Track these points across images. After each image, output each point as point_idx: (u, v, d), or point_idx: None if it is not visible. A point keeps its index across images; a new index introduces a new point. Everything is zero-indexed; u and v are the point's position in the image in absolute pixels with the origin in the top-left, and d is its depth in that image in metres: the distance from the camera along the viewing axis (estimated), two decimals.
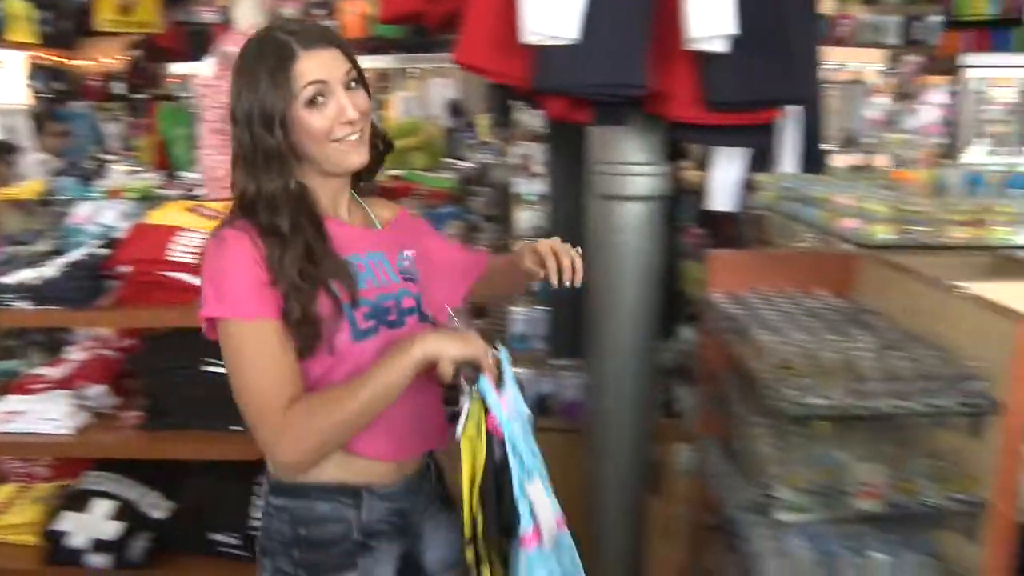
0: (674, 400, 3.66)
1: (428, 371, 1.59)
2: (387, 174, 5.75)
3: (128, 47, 8.17)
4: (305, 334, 1.57)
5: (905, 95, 3.36)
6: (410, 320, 1.75)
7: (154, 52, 9.13)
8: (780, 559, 2.12)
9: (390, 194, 4.62)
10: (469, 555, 1.58)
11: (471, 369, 1.56)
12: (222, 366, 2.43)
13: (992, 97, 2.17)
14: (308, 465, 1.62)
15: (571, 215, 3.10)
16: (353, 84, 1.66)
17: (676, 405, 3.65)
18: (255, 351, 1.55)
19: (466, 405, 1.57)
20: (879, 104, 2.37)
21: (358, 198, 1.87)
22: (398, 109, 5.81)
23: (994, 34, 9.13)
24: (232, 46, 3.54)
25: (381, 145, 1.81)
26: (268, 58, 1.58)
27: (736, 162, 2.94)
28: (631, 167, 2.77)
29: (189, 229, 3.00)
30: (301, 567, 1.69)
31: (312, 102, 1.59)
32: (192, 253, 2.92)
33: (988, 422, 1.91)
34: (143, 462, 3.07)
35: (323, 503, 1.69)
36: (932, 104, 2.12)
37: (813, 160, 3.01)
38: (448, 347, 1.57)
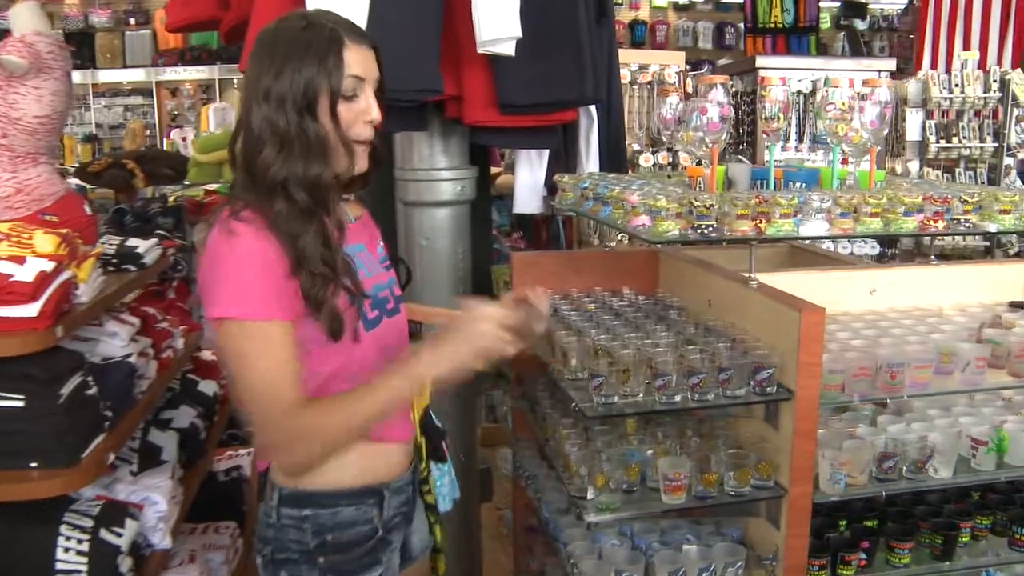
0: (496, 404, 3.65)
1: None
2: (202, 188, 5.54)
3: None
4: (331, 320, 1.57)
5: (690, 95, 3.45)
6: (401, 307, 1.83)
7: None
8: (595, 559, 2.12)
9: (206, 208, 4.44)
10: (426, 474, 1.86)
11: None
12: (17, 398, 2.24)
13: (771, 96, 2.23)
14: (314, 464, 1.64)
15: (383, 221, 3.05)
16: (377, 91, 1.66)
17: (498, 408, 3.64)
18: (266, 353, 1.52)
19: None
20: (671, 104, 2.41)
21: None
22: (210, 121, 5.61)
23: (792, 40, 9.86)
24: (7, 53, 3.24)
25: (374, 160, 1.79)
26: (318, 42, 1.56)
27: (538, 165, 2.95)
28: (434, 172, 2.75)
29: None
30: (329, 571, 1.70)
31: (349, 93, 1.59)
32: None
33: (781, 409, 1.97)
34: None
35: (347, 508, 1.70)
36: (713, 103, 2.15)
37: (615, 159, 3.06)
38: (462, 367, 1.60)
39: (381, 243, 1.87)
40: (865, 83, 2.42)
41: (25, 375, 2.25)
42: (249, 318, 1.51)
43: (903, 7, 11.39)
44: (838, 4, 11.79)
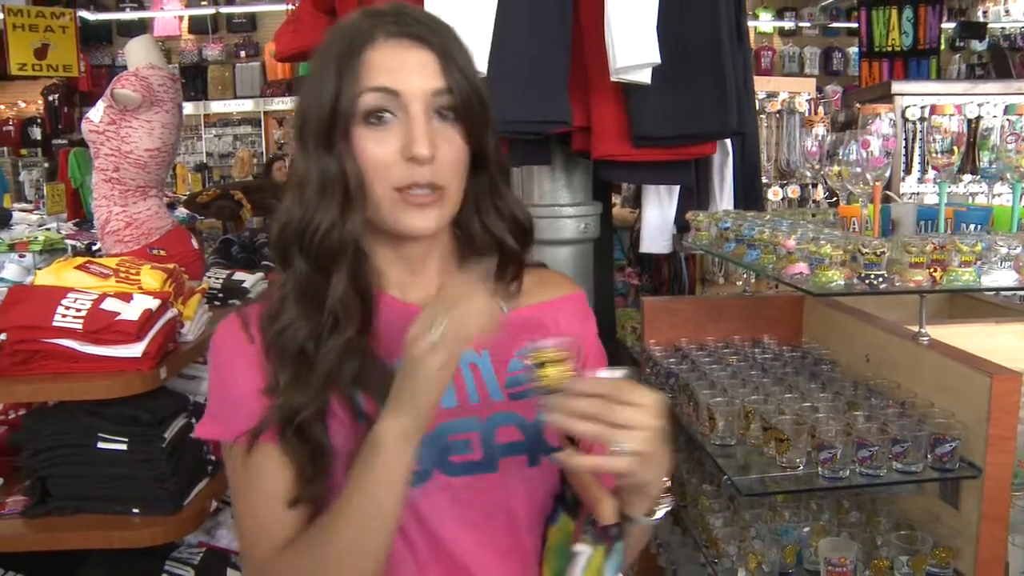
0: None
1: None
2: None
3: (45, 91, 7.96)
4: (301, 466, 1.08)
5: (846, 124, 3.21)
6: (506, 464, 1.13)
7: (73, 96, 8.87)
8: None
9: None
10: None
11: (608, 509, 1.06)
12: (120, 441, 2.23)
13: (939, 124, 1.98)
14: None
15: None
16: (447, 114, 1.10)
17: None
18: (243, 477, 1.11)
19: (587, 551, 1.09)
20: (817, 134, 2.18)
21: (484, 271, 1.12)
22: None
23: (911, 63, 9.40)
24: (121, 87, 3.24)
25: (513, 233, 1.22)
26: (337, 43, 1.08)
27: (668, 202, 2.74)
28: (556, 209, 2.56)
29: (77, 290, 2.72)
30: None
31: (372, 116, 1.07)
32: (80, 317, 2.63)
33: (963, 487, 1.71)
34: (30, 554, 2.72)
35: None
36: (876, 135, 1.91)
37: (750, 196, 2.83)
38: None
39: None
40: None
41: (129, 417, 2.22)
42: (220, 436, 1.14)
43: None
44: (953, 25, 11.30)
